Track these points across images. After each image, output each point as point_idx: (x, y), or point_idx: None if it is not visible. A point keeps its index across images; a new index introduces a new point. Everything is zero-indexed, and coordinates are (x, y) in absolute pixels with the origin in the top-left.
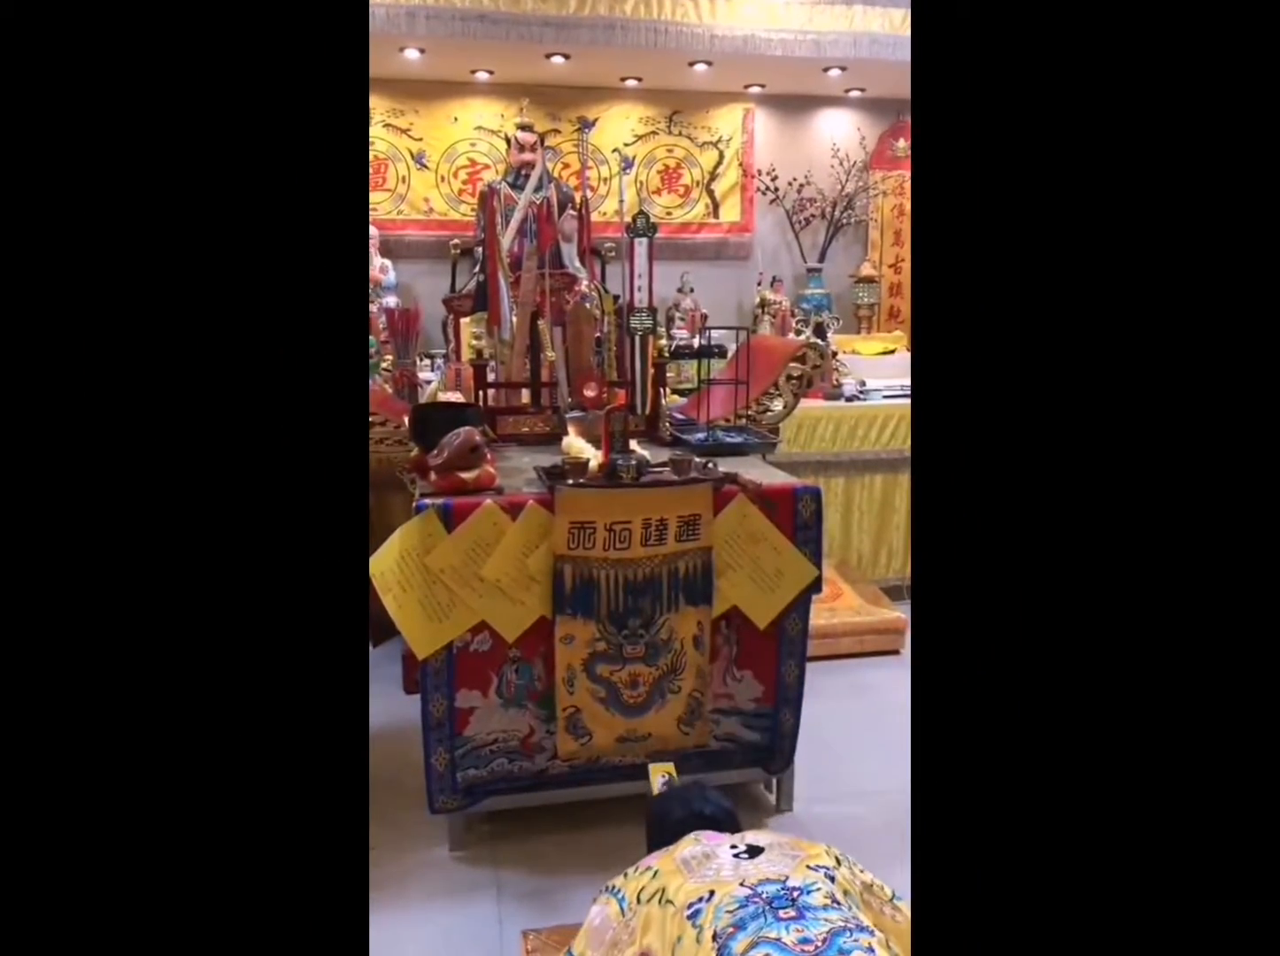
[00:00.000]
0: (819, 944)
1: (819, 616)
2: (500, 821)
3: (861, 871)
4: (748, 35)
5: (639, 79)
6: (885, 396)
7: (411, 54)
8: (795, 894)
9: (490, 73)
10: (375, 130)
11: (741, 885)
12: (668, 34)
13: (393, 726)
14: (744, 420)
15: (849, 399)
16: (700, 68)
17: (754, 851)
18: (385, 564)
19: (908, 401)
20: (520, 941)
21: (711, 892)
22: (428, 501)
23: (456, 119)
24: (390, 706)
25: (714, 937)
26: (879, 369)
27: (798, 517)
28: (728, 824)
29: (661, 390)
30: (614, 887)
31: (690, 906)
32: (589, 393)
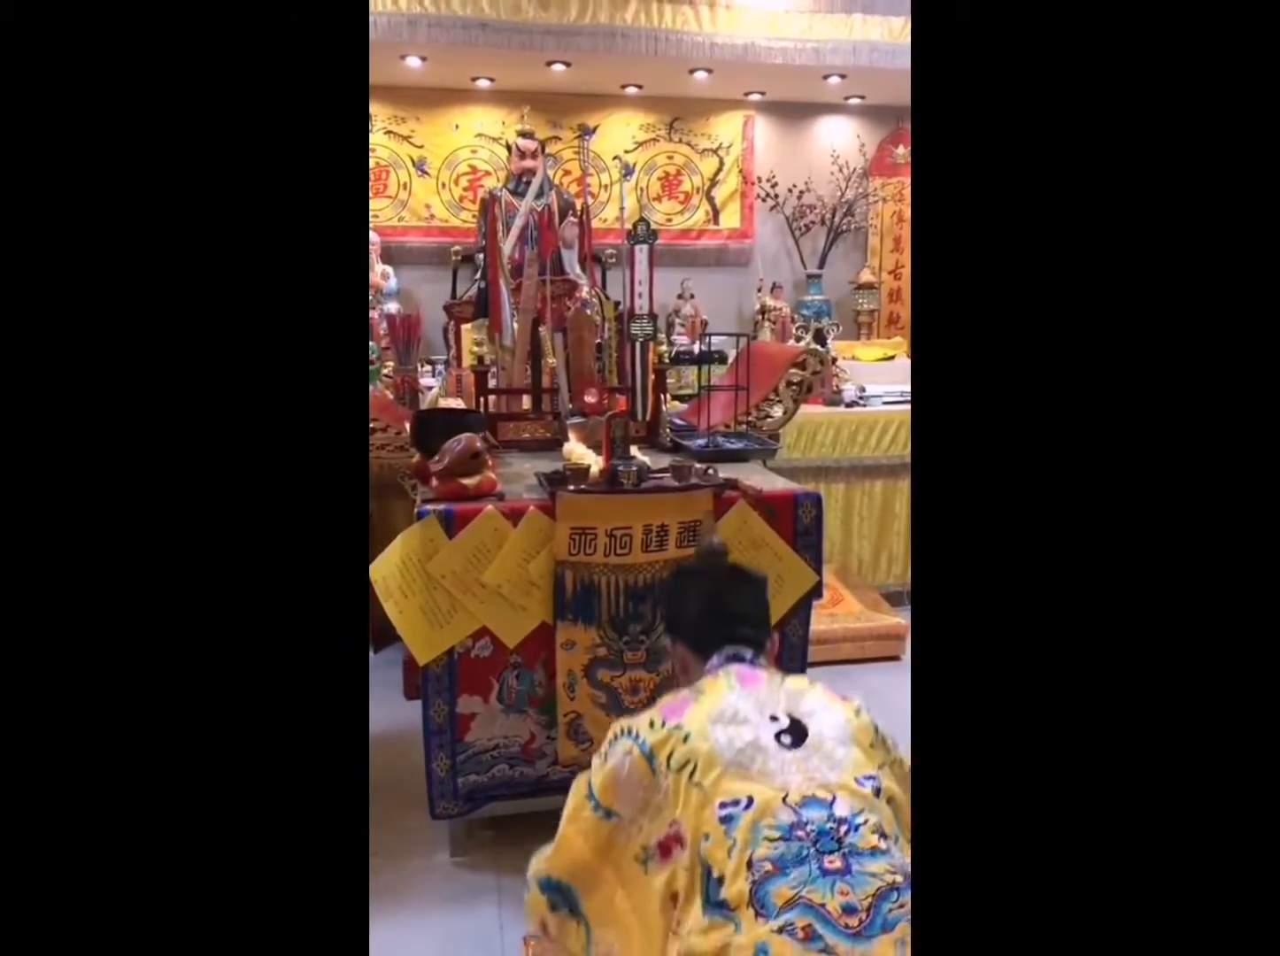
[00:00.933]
0: (863, 915)
1: (819, 622)
2: (501, 827)
3: (899, 752)
4: (748, 43)
5: (639, 86)
6: (885, 402)
7: (413, 61)
8: (843, 830)
9: (491, 80)
10: (377, 137)
11: (785, 801)
12: (668, 42)
13: (394, 732)
14: (744, 426)
15: (849, 405)
16: (700, 75)
17: (797, 733)
18: (386, 569)
19: (908, 407)
20: (521, 947)
21: (750, 799)
22: (429, 507)
23: (458, 126)
24: (391, 712)
25: (748, 865)
26: (879, 375)
27: (798, 523)
28: (757, 623)
29: (662, 396)
30: (636, 735)
31: (724, 805)
32: (590, 398)
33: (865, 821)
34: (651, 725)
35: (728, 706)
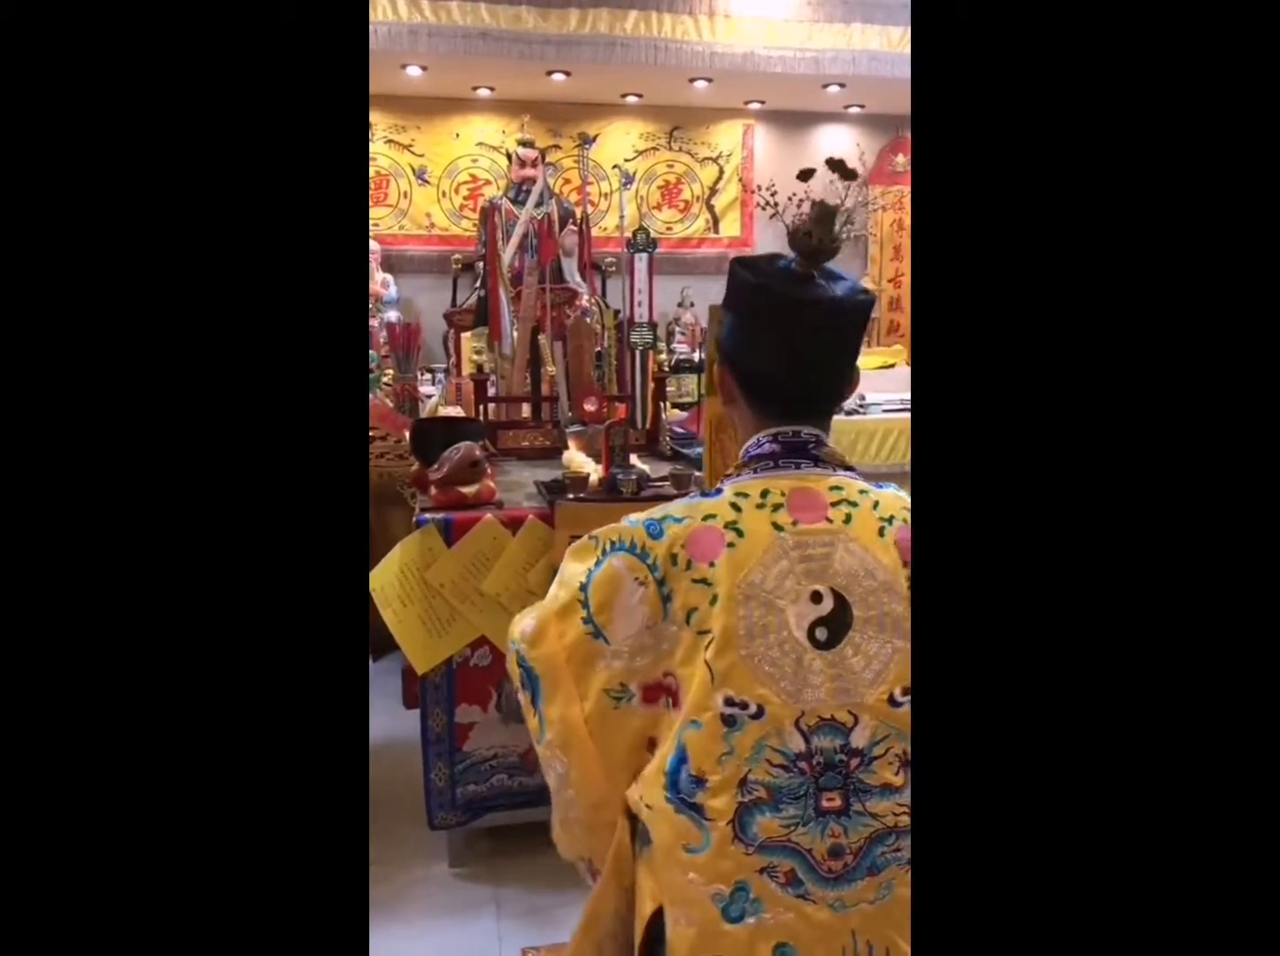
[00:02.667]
0: (849, 857)
1: None
2: (500, 837)
3: None
4: (747, 52)
5: (639, 95)
6: (885, 410)
7: (413, 71)
8: (853, 762)
9: (491, 89)
10: (377, 146)
11: (798, 723)
12: (668, 51)
13: (392, 741)
14: None
15: (849, 413)
16: (700, 84)
17: (838, 627)
18: (385, 578)
19: (908, 415)
20: None
21: (760, 708)
22: (428, 516)
23: (458, 135)
24: (390, 721)
25: (741, 783)
26: (879, 383)
27: None
28: (836, 389)
29: (662, 404)
30: (652, 559)
31: (729, 702)
32: (589, 407)
33: (884, 752)
34: (674, 560)
35: (767, 572)
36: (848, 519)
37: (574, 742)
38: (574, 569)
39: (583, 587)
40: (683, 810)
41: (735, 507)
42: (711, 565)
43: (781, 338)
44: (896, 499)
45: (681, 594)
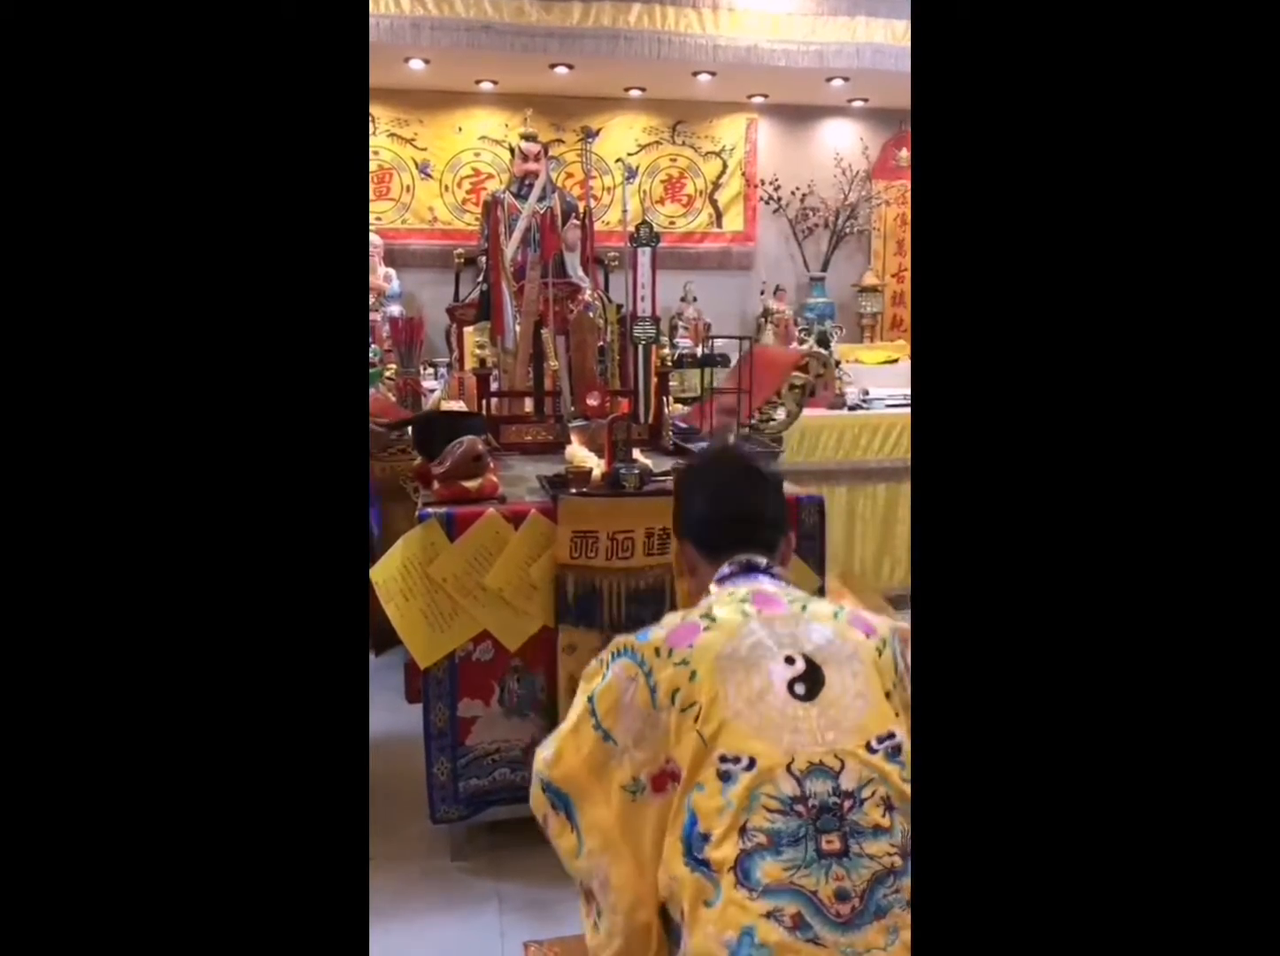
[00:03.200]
0: (857, 901)
1: None
2: (502, 832)
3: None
4: (751, 45)
5: (642, 89)
6: (888, 405)
7: (416, 64)
8: (846, 804)
9: (494, 83)
10: (380, 140)
11: (789, 768)
12: (671, 44)
13: (395, 736)
14: (747, 429)
15: (852, 408)
16: (704, 78)
17: (813, 684)
18: (388, 572)
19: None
20: (522, 953)
21: (752, 760)
22: (430, 510)
23: (461, 129)
24: (392, 715)
25: (742, 831)
26: (882, 378)
27: (801, 527)
28: (772, 524)
29: (664, 399)
30: (641, 659)
31: (724, 760)
32: (592, 402)
33: (872, 794)
34: (657, 652)
35: (740, 643)
36: (804, 607)
37: (610, 843)
38: (583, 689)
39: (590, 700)
40: (697, 869)
41: (708, 615)
42: (690, 646)
43: (711, 490)
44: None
45: (666, 680)
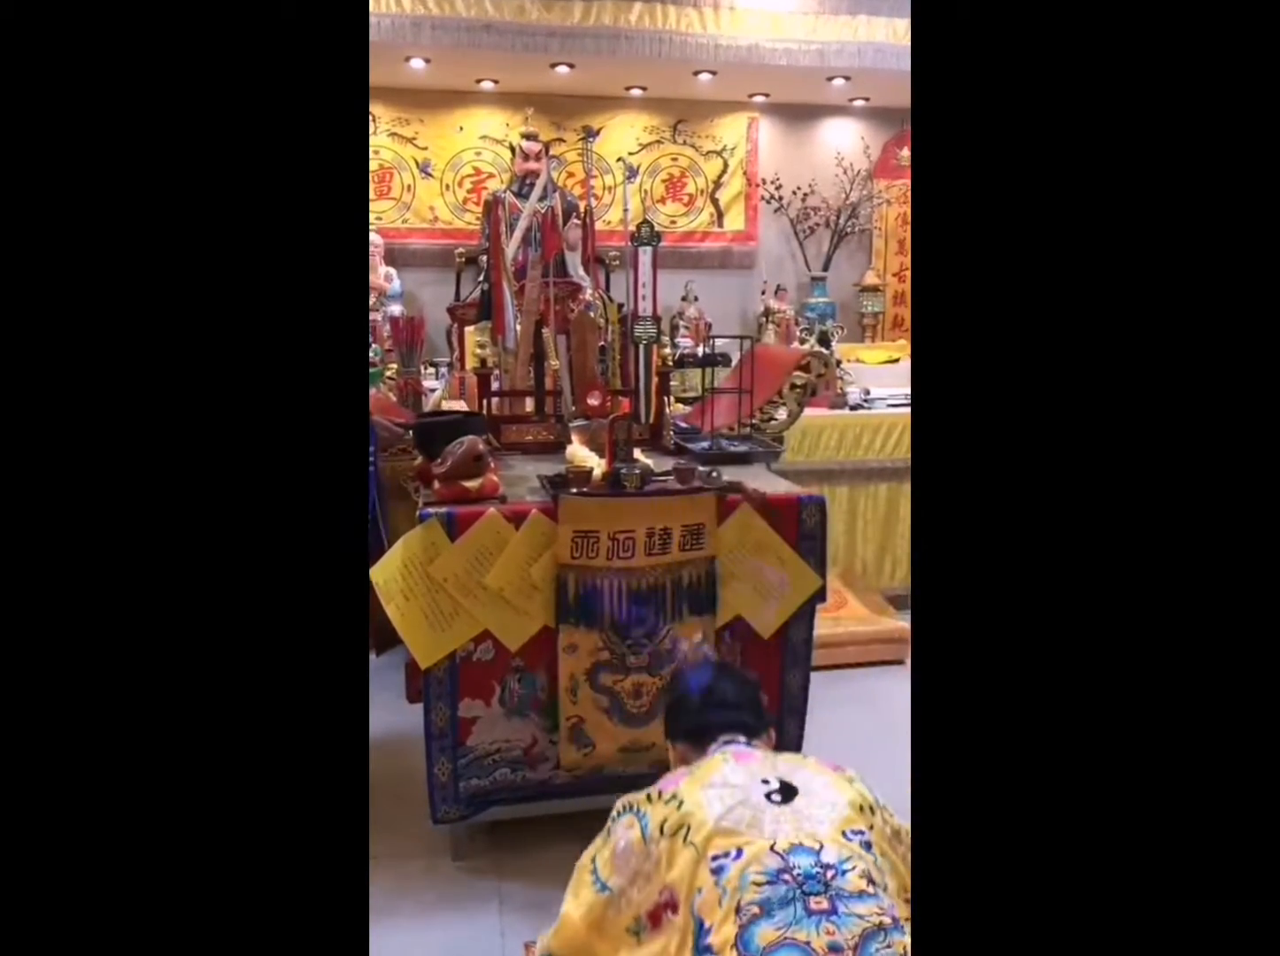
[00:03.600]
0: (849, 954)
1: (823, 625)
2: (503, 832)
3: (891, 816)
4: (752, 45)
5: (643, 88)
6: (890, 405)
7: (417, 64)
8: (829, 874)
9: (495, 82)
10: (380, 139)
11: (773, 849)
12: (672, 43)
13: (396, 735)
14: (748, 429)
15: (853, 408)
16: (704, 77)
17: (787, 792)
18: (388, 572)
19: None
20: (523, 953)
21: (740, 850)
22: (431, 510)
23: (461, 128)
24: (393, 715)
25: (737, 910)
26: (883, 377)
27: (802, 527)
28: (751, 712)
29: (665, 399)
30: (637, 808)
31: (715, 858)
32: (593, 401)
33: (853, 867)
34: (649, 798)
35: (719, 776)
36: (777, 757)
37: None
38: (584, 861)
39: (593, 860)
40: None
41: (692, 767)
42: (676, 785)
43: (694, 699)
44: None
45: (656, 817)
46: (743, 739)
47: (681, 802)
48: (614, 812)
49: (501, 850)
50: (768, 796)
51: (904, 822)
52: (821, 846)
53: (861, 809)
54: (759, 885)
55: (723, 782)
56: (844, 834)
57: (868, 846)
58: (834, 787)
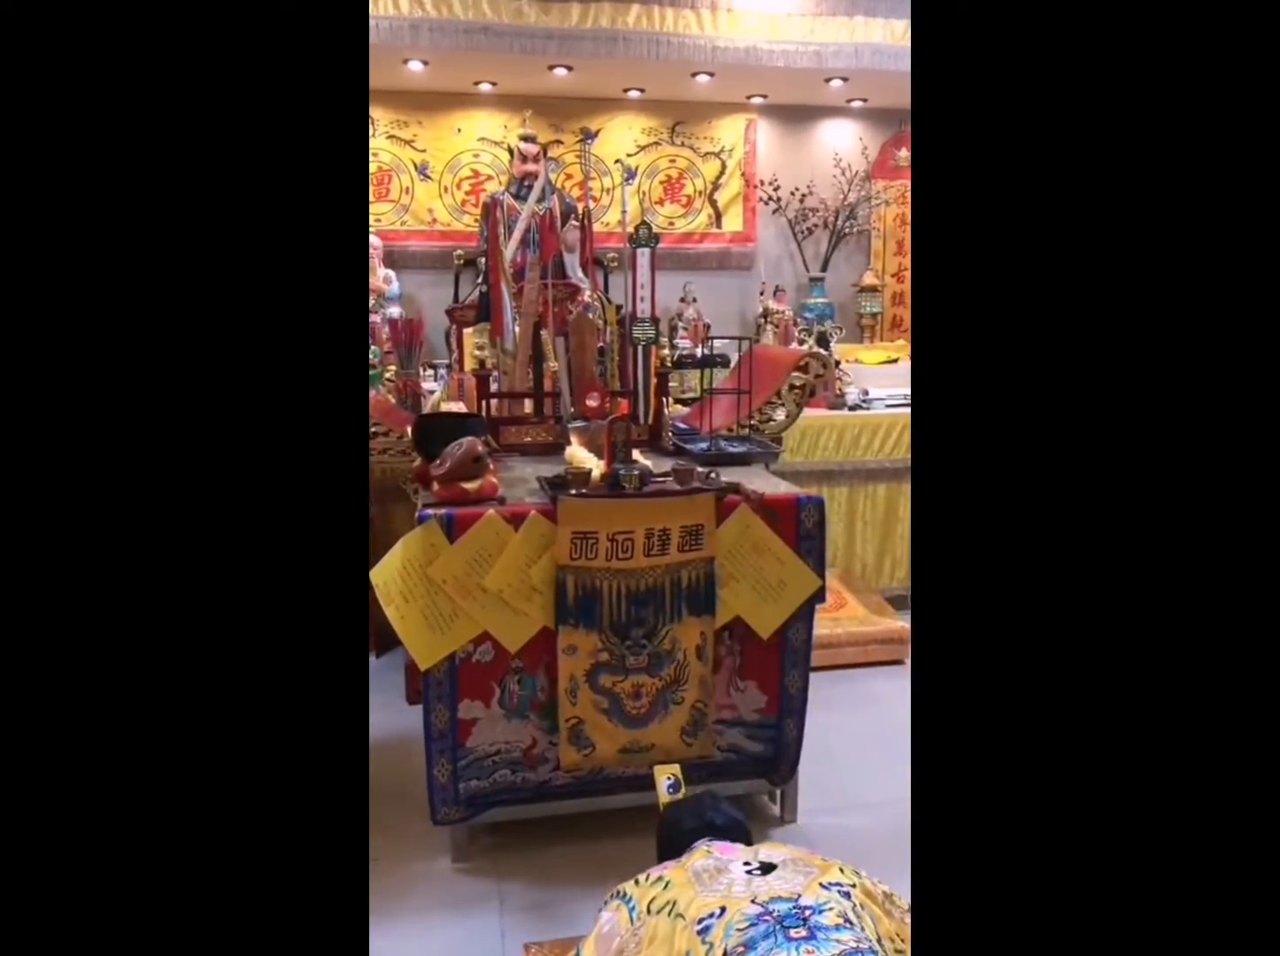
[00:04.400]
0: None
1: (823, 626)
2: (503, 833)
3: (879, 883)
4: (750, 46)
5: (641, 90)
6: (888, 405)
7: (415, 66)
8: (807, 913)
9: (493, 84)
10: (379, 142)
11: (753, 902)
12: (670, 45)
13: (395, 737)
14: (747, 430)
15: (852, 408)
16: (702, 78)
17: (767, 868)
18: (388, 574)
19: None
20: (523, 954)
21: (723, 909)
22: (430, 512)
23: (460, 130)
24: (393, 717)
25: None
26: (882, 378)
27: (801, 527)
28: (739, 834)
29: (664, 400)
30: (625, 894)
31: (701, 921)
32: (592, 402)
33: (831, 908)
34: (637, 882)
35: (705, 863)
36: (757, 849)
37: None
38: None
39: (577, 951)
40: None
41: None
42: (664, 870)
43: (686, 828)
44: None
45: (644, 899)
46: (727, 841)
47: (669, 884)
48: (604, 901)
49: (501, 851)
50: (748, 871)
51: (903, 898)
52: (800, 896)
53: (842, 870)
54: (742, 930)
55: (708, 867)
56: (821, 885)
57: (846, 895)
58: (812, 862)
